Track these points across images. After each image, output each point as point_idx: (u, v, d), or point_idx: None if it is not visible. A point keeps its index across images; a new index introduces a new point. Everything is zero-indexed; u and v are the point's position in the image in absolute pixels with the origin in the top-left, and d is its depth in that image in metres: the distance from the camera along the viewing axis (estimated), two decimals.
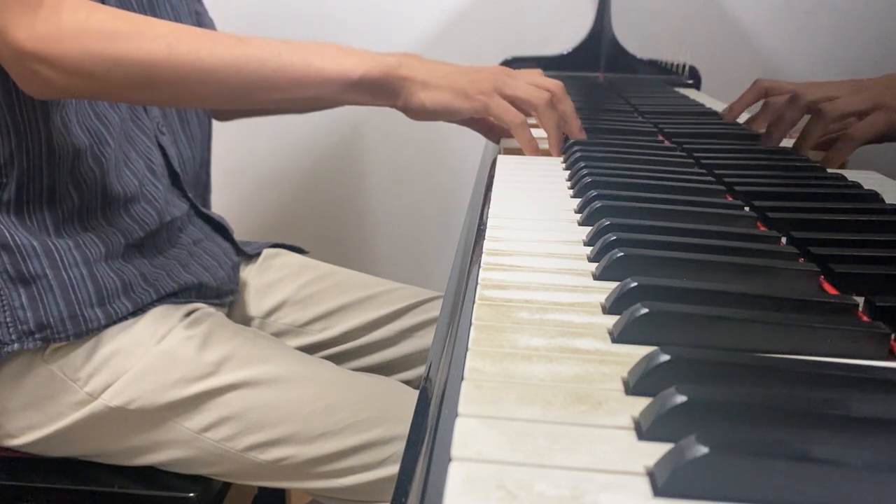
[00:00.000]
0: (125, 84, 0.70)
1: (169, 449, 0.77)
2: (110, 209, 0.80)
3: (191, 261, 0.88)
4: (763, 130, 0.86)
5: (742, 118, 0.98)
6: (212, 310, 0.85)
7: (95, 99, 0.79)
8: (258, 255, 1.02)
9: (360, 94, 0.75)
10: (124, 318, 0.78)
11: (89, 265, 0.77)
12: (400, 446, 0.77)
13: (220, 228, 0.98)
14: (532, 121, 0.80)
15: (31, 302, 0.74)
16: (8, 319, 0.74)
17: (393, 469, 0.77)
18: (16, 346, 0.74)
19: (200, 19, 1.02)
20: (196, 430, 0.76)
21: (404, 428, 0.77)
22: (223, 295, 0.91)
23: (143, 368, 0.76)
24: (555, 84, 0.80)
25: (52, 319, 0.74)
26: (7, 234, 0.74)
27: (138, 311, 0.79)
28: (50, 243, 0.76)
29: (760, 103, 0.94)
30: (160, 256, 0.85)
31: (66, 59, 0.67)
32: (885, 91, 0.78)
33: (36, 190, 0.76)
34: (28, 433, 0.77)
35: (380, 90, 0.75)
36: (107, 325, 0.77)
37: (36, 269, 0.74)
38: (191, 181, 0.95)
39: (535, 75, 0.83)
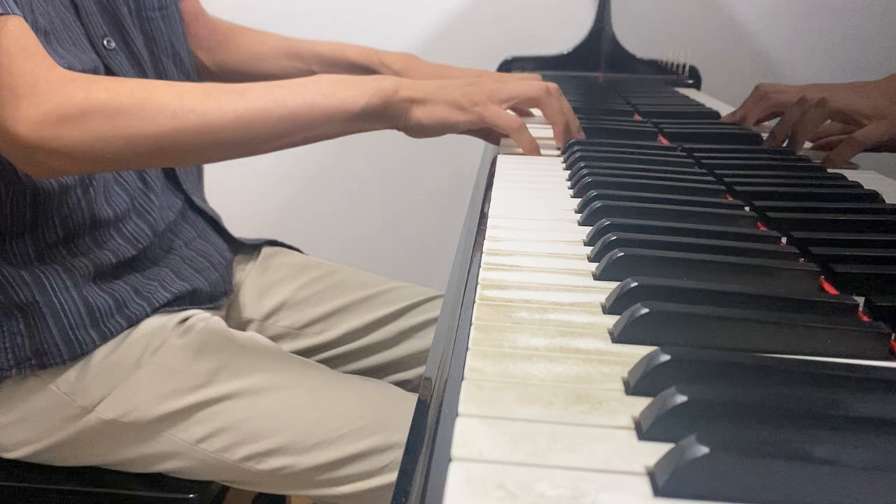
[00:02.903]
0: (134, 159, 0.69)
1: (165, 461, 0.77)
2: (99, 233, 0.79)
3: (183, 266, 0.86)
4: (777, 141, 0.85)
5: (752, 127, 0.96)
6: (206, 314, 0.84)
7: (100, 172, 0.77)
8: (257, 252, 1.01)
9: (364, 122, 0.74)
10: (119, 333, 0.78)
11: (79, 288, 0.76)
12: (398, 453, 0.76)
13: (214, 223, 0.96)
14: (530, 123, 0.79)
15: (28, 329, 0.74)
16: (7, 346, 0.74)
17: (392, 476, 0.76)
18: (14, 371, 0.74)
19: None
20: (191, 441, 0.76)
21: (402, 435, 0.76)
22: (217, 298, 0.90)
23: (136, 380, 0.75)
24: (550, 83, 0.80)
25: (46, 345, 0.74)
26: None
27: (132, 324, 0.79)
28: (37, 271, 0.75)
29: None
30: (153, 266, 0.84)
31: (74, 146, 0.63)
32: (890, 100, 0.78)
33: (19, 229, 0.75)
34: (23, 447, 0.77)
35: (381, 116, 0.74)
36: (102, 344, 0.76)
37: (27, 297, 0.74)
38: (185, 168, 0.93)
39: (528, 76, 0.83)
